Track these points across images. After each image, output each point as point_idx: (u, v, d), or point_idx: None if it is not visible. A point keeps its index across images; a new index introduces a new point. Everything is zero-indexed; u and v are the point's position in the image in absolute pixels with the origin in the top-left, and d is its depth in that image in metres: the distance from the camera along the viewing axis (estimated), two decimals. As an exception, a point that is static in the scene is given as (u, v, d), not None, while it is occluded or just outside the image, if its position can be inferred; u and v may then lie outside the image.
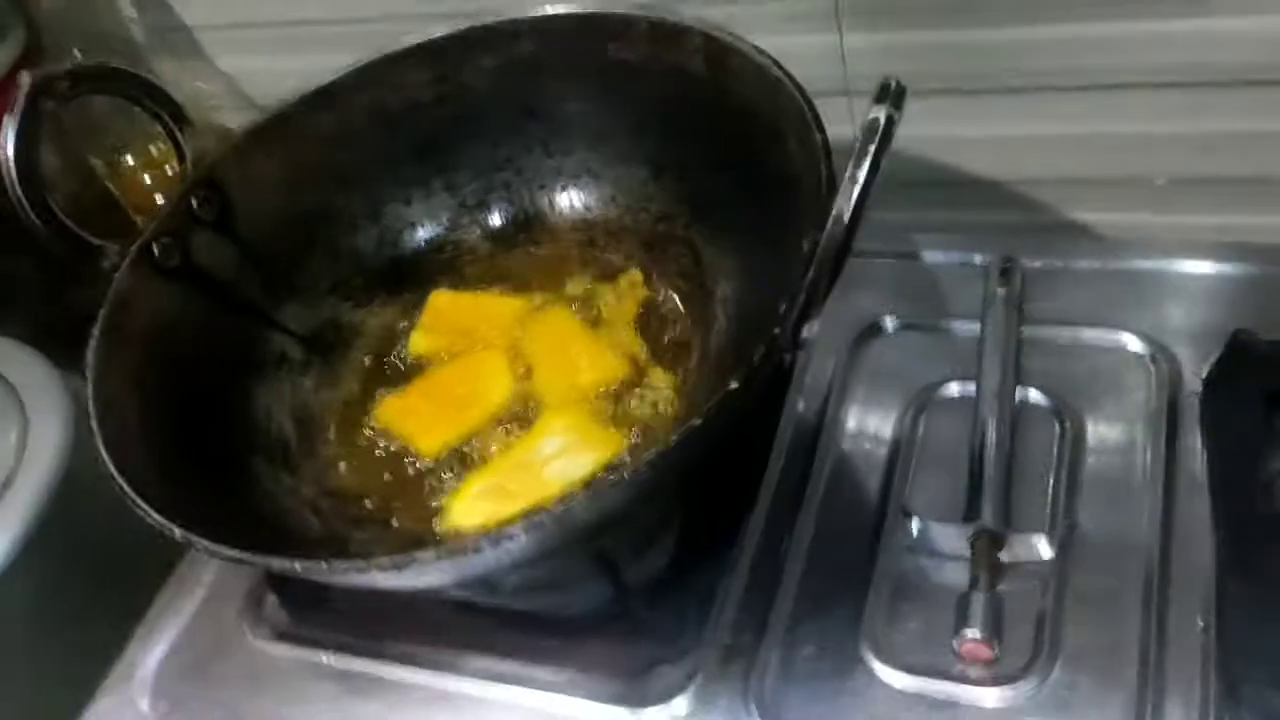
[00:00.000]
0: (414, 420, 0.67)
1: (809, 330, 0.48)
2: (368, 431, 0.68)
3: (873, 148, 0.45)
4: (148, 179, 0.93)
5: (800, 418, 0.68)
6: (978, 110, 0.72)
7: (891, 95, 0.46)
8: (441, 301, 0.73)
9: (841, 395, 0.68)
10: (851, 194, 0.45)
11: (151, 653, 0.66)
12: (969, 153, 0.75)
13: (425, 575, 0.50)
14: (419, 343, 0.71)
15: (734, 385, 0.49)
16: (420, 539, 0.61)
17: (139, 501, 0.53)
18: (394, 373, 0.71)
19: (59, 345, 0.80)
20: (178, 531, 0.51)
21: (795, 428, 0.67)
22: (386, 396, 0.69)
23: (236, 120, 0.85)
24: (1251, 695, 0.51)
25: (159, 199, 0.88)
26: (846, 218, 0.46)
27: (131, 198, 0.94)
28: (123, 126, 0.91)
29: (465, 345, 0.70)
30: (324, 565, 0.49)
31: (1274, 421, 0.60)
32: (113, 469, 0.54)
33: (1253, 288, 0.66)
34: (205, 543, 0.51)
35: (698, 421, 0.48)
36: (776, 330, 0.50)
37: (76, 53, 0.90)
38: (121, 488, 0.53)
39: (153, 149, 0.92)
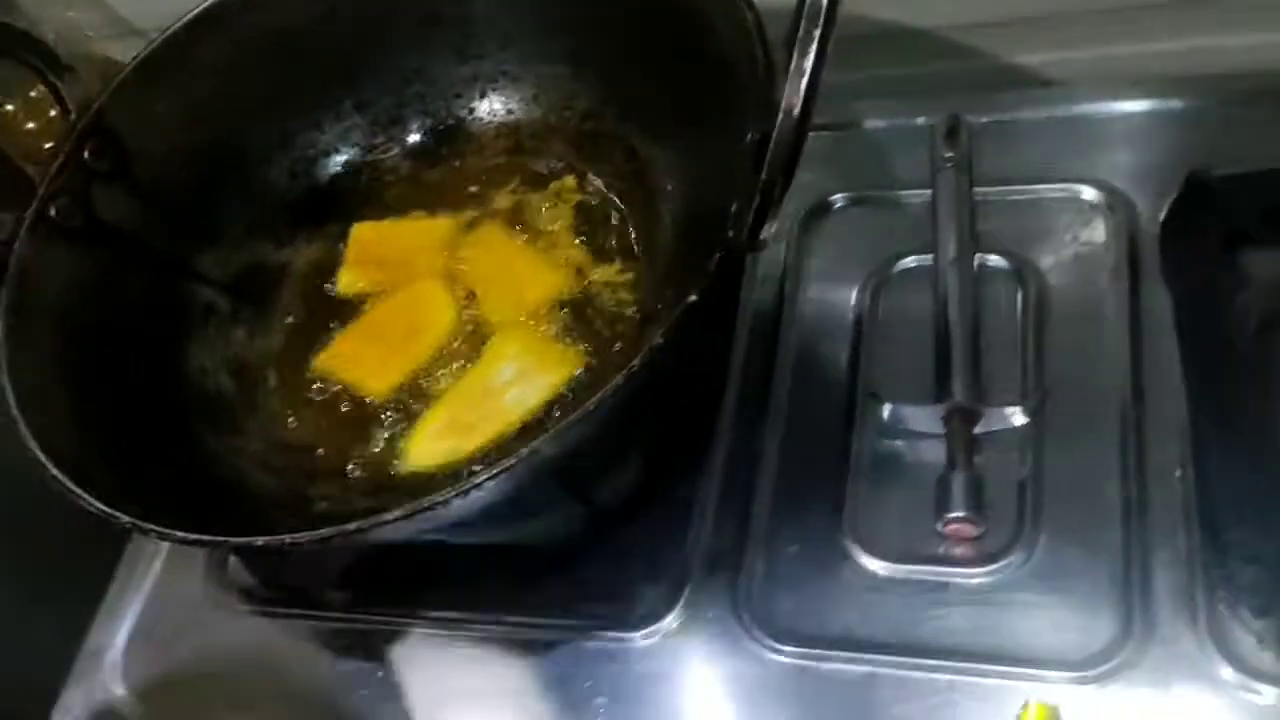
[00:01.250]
0: (357, 364, 0.64)
1: (767, 231, 0.46)
2: (311, 378, 0.65)
3: (818, 32, 0.42)
4: (32, 125, 0.87)
5: (757, 307, 0.65)
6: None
7: (833, -32, 0.43)
8: (364, 234, 0.69)
9: (796, 280, 0.66)
10: (800, 85, 0.42)
11: (117, 634, 0.64)
12: (902, 2, 0.71)
13: (394, 533, 0.47)
14: (348, 281, 0.67)
15: (693, 297, 0.47)
16: (379, 485, 0.59)
17: (77, 491, 0.50)
18: (330, 311, 0.67)
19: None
20: (125, 519, 0.49)
21: (753, 319, 0.65)
22: (323, 344, 0.66)
23: (118, 50, 0.79)
24: (1236, 541, 0.51)
25: (47, 146, 0.82)
26: (797, 110, 0.42)
27: (18, 148, 0.88)
28: (-2, 71, 0.84)
29: (398, 277, 0.67)
30: (285, 540, 0.46)
31: (1236, 259, 0.59)
32: (43, 457, 0.51)
33: (1203, 122, 0.64)
34: (156, 528, 0.48)
35: (659, 341, 0.46)
36: (730, 234, 0.47)
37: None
38: (55, 477, 0.50)
39: (33, 92, 0.86)
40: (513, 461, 0.45)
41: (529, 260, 0.65)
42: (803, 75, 0.43)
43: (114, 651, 0.63)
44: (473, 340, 0.63)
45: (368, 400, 0.63)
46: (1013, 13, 0.71)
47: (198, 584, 0.64)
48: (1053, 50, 0.73)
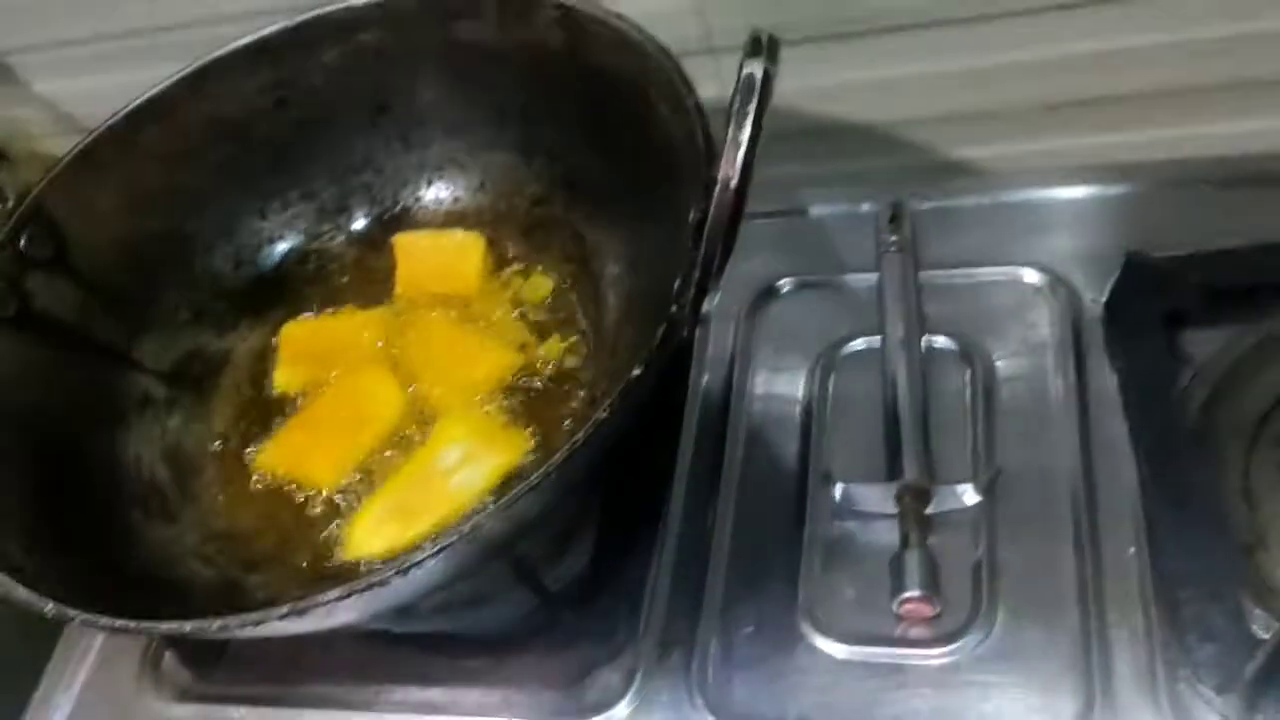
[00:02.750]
0: (302, 458, 0.62)
1: (708, 304, 0.45)
2: (250, 469, 0.63)
3: (752, 107, 0.42)
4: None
5: (706, 391, 0.65)
6: (848, 55, 0.70)
7: (765, 49, 0.44)
8: (295, 332, 0.68)
9: (746, 363, 0.66)
10: (736, 158, 0.43)
11: (49, 724, 0.60)
12: (845, 99, 0.73)
13: (332, 617, 0.45)
14: (284, 380, 0.66)
15: (637, 371, 0.46)
16: (321, 574, 0.57)
17: (4, 578, 0.48)
18: (269, 406, 0.66)
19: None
20: (50, 607, 0.46)
21: (703, 402, 0.65)
22: (264, 438, 0.64)
23: (64, 148, 0.78)
24: (1192, 618, 0.50)
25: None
26: (734, 183, 0.43)
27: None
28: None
29: (335, 370, 0.65)
30: (214, 624, 0.44)
31: (1177, 338, 0.60)
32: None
33: (1139, 206, 0.66)
34: (82, 614, 0.46)
35: (604, 415, 0.45)
36: (674, 308, 0.47)
37: None
38: (-18, 565, 0.48)
39: (-27, 181, 0.85)
40: (454, 538, 0.44)
41: (473, 342, 0.64)
42: (739, 147, 0.43)
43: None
44: (419, 427, 0.62)
45: (310, 490, 0.61)
46: (950, 109, 0.73)
47: (131, 679, 0.61)
48: (992, 144, 0.75)
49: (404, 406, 0.63)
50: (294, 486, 0.62)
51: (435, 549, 0.43)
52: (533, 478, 0.44)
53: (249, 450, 0.64)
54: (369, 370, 0.65)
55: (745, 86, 0.43)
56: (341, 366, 0.66)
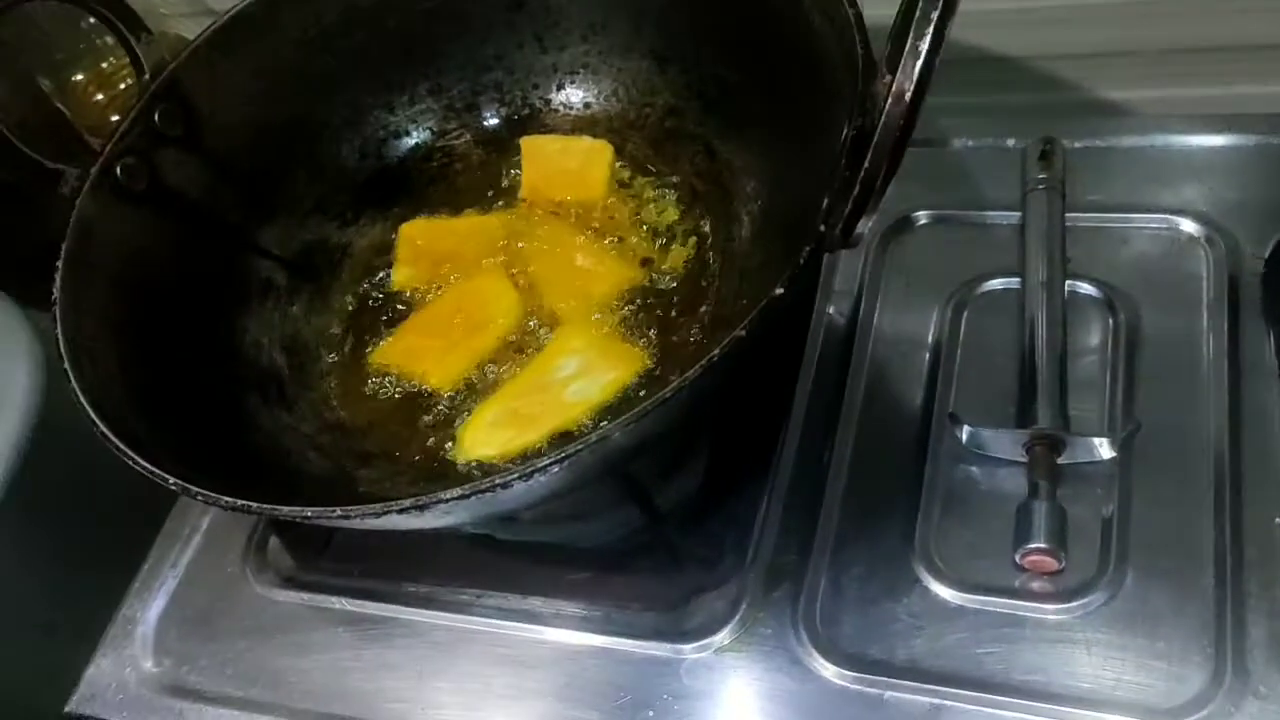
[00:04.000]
0: (419, 358, 0.61)
1: (863, 225, 0.43)
2: (366, 364, 0.63)
3: (936, 13, 0.40)
4: (100, 96, 0.86)
5: (830, 322, 0.63)
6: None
7: (952, -47, 0.41)
8: (414, 231, 0.67)
9: (874, 296, 0.63)
10: (914, 69, 0.40)
11: (151, 607, 0.61)
12: (992, 27, 0.69)
13: (450, 515, 0.45)
14: (402, 277, 0.65)
15: (779, 291, 0.44)
16: (430, 474, 0.57)
17: (125, 449, 0.48)
18: (388, 301, 0.65)
19: (22, 281, 0.73)
20: (172, 481, 0.47)
21: (826, 333, 0.63)
22: (382, 334, 0.64)
23: (193, 30, 0.78)
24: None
25: (114, 119, 0.81)
26: (908, 96, 0.40)
27: (84, 118, 0.87)
28: (70, 40, 0.83)
29: (452, 271, 0.65)
30: (336, 511, 0.44)
31: (1343, 302, 0.56)
32: (93, 415, 0.49)
33: (1313, 161, 0.62)
34: (204, 492, 0.46)
35: (742, 333, 0.44)
36: (822, 227, 0.45)
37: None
38: (105, 434, 0.49)
39: (104, 64, 0.85)
40: (581, 447, 0.43)
41: (595, 254, 0.63)
42: (917, 57, 0.40)
43: (145, 626, 0.61)
44: (535, 335, 0.61)
45: (424, 389, 0.61)
46: (1104, 45, 0.68)
47: (236, 563, 0.62)
48: (1146, 86, 0.71)
49: (521, 313, 0.62)
50: (409, 385, 0.61)
51: (561, 456, 0.42)
52: (664, 392, 0.43)
53: (366, 346, 0.64)
54: (487, 275, 0.64)
55: (930, -8, 0.40)
56: (459, 269, 0.65)
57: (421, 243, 0.67)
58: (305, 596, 0.60)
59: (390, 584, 0.59)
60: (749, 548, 0.55)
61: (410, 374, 0.61)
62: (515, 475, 0.42)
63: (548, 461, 0.42)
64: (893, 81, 0.42)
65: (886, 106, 0.41)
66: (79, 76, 0.85)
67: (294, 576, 0.61)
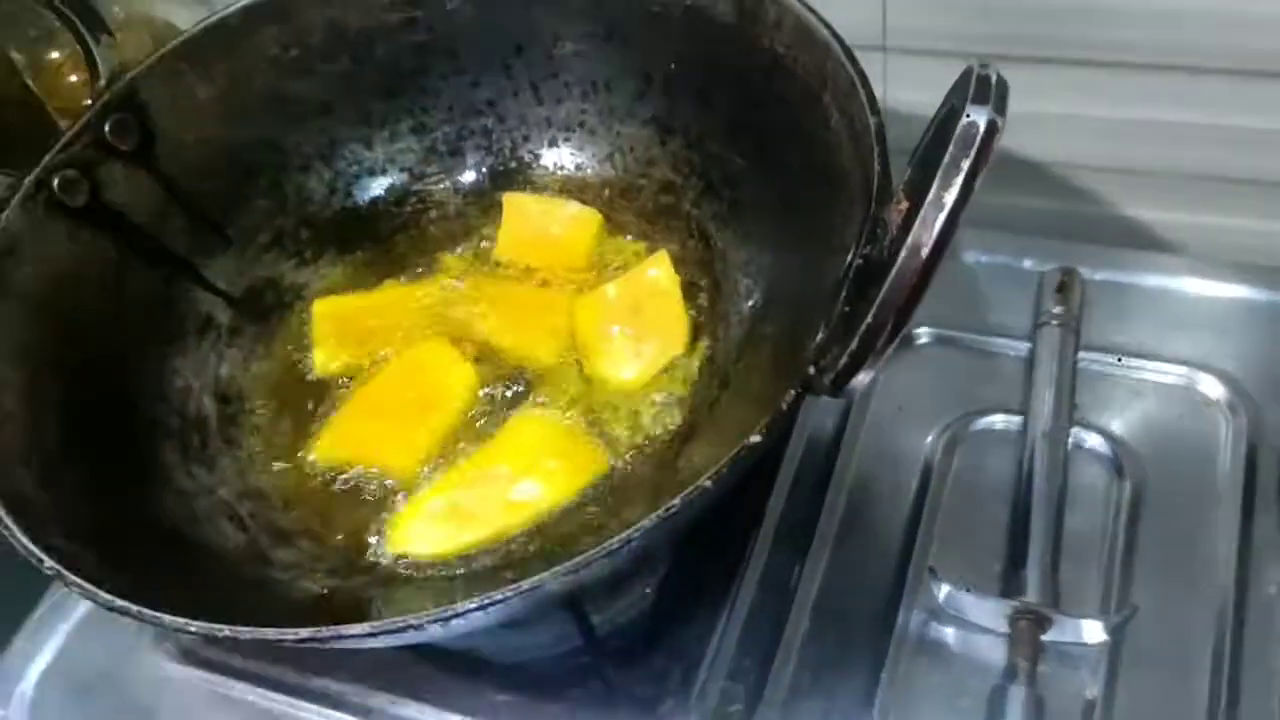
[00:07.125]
0: (373, 445, 0.55)
1: (859, 381, 0.38)
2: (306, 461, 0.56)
3: (967, 163, 0.35)
4: (75, 78, 0.81)
5: (813, 434, 0.58)
6: (1031, 82, 0.61)
7: (994, 94, 0.36)
8: (328, 308, 0.60)
9: (862, 414, 0.58)
10: (936, 222, 0.35)
11: (31, 666, 0.56)
12: (1017, 130, 0.64)
13: (353, 645, 0.40)
14: (325, 361, 0.59)
15: (755, 438, 0.39)
16: (353, 566, 0.51)
17: (5, 519, 0.42)
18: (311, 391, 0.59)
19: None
20: (47, 563, 0.41)
21: (807, 444, 0.58)
22: (319, 430, 0.57)
23: (184, 17, 0.72)
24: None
25: (87, 103, 0.76)
26: (925, 251, 0.35)
27: (56, 99, 0.81)
28: (47, 17, 0.78)
29: (383, 346, 0.59)
30: (224, 629, 0.38)
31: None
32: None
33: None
34: (80, 583, 0.41)
35: (708, 484, 0.38)
36: (810, 369, 0.40)
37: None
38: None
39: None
40: (510, 594, 0.37)
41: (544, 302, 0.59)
42: (941, 210, 0.35)
43: (23, 686, 0.55)
44: (501, 405, 0.56)
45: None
46: (1135, 163, 0.64)
47: (130, 629, 0.56)
48: (1178, 210, 0.66)
49: (477, 384, 0.56)
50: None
51: (485, 602, 0.37)
52: (610, 543, 0.38)
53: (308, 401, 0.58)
54: (433, 344, 0.58)
55: (963, 137, 0.35)
56: (393, 344, 0.59)
57: (342, 320, 0.60)
58: (205, 677, 0.54)
59: (301, 676, 0.53)
60: (692, 691, 0.50)
61: (367, 464, 0.55)
62: (430, 618, 0.37)
63: (470, 607, 0.37)
64: (908, 212, 0.37)
65: (901, 258, 0.35)
66: (54, 54, 0.80)
67: (195, 651, 0.55)
